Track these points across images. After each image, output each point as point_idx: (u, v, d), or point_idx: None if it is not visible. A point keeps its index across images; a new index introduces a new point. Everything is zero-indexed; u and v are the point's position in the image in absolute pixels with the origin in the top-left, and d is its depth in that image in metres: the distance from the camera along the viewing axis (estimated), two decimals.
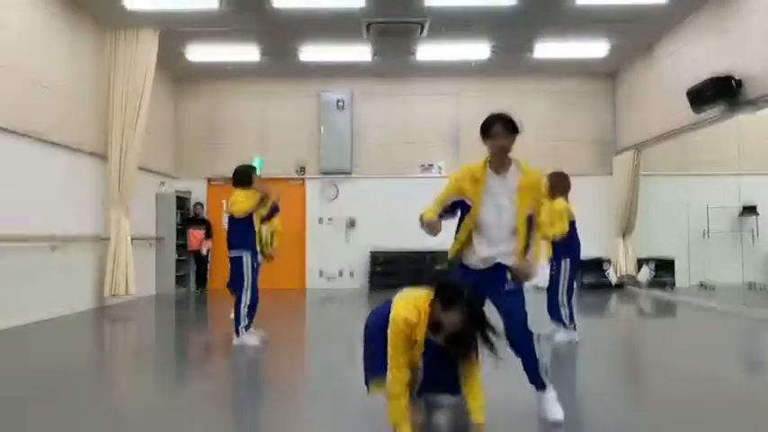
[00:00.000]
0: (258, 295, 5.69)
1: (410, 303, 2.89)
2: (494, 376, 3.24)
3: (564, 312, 5.53)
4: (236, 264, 5.43)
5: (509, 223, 3.32)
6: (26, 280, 6.92)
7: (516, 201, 3.34)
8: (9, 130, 6.70)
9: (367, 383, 3.13)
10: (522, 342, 3.28)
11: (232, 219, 5.49)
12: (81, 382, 4.29)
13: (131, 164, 8.64)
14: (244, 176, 5.57)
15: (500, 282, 3.32)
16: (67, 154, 7.88)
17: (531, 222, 3.35)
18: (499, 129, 3.43)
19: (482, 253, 3.36)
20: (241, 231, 5.44)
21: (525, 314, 3.31)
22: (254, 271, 5.47)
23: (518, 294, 3.34)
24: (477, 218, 3.36)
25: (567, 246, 5.58)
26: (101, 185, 8.60)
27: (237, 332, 5.39)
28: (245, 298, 5.38)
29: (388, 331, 2.88)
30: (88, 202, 8.37)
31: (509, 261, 3.32)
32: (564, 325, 5.56)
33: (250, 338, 5.39)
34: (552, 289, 5.67)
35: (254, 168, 5.70)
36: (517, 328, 3.27)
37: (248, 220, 5.48)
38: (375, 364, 3.00)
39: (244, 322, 5.38)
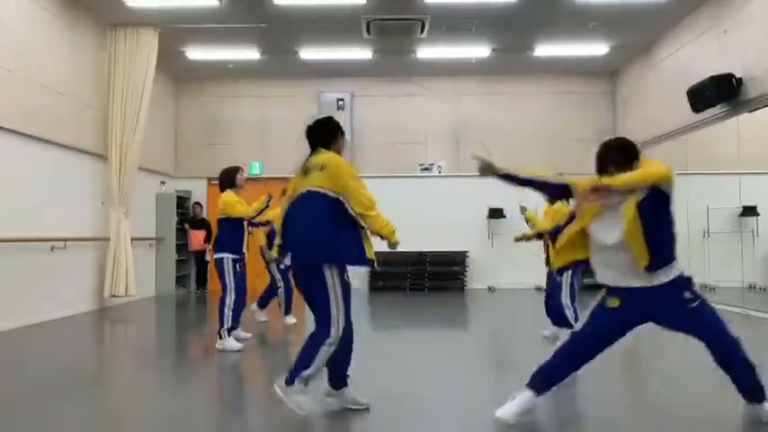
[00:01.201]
0: (245, 297, 5.69)
1: (327, 155, 3.36)
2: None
3: (569, 314, 5.44)
4: (218, 265, 5.39)
5: None
6: (26, 281, 6.91)
7: None
8: (9, 129, 6.69)
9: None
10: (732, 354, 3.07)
11: (219, 220, 5.46)
12: (81, 384, 4.29)
13: (131, 164, 8.63)
14: (227, 177, 5.55)
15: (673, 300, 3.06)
16: (67, 154, 7.87)
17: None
18: None
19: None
20: (226, 233, 5.39)
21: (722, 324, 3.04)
22: (237, 274, 5.39)
23: (701, 309, 3.06)
24: None
25: None
26: (101, 186, 8.60)
27: (220, 335, 5.33)
28: (229, 300, 5.32)
29: (348, 174, 3.30)
30: (88, 203, 8.36)
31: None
32: (571, 327, 5.49)
33: (233, 343, 5.31)
34: (555, 291, 5.64)
35: (237, 169, 5.62)
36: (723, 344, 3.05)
37: (237, 222, 5.42)
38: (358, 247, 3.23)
39: (227, 325, 5.32)
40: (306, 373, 3.20)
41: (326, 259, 3.21)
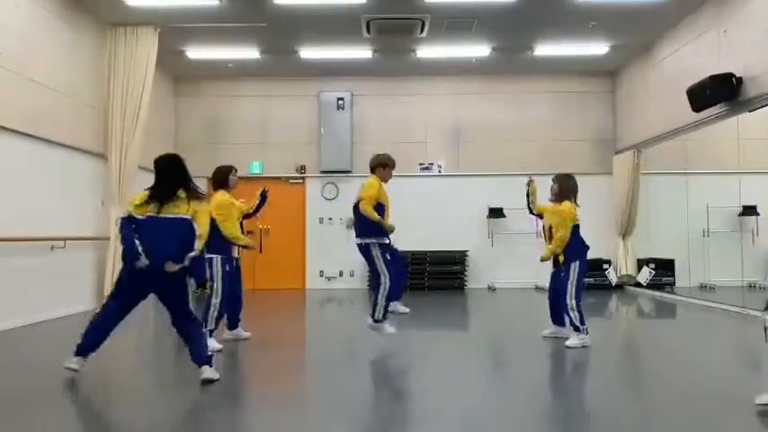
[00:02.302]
0: (239, 298, 5.62)
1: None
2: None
3: (573, 315, 5.36)
4: (208, 265, 5.30)
5: None
6: (26, 280, 6.91)
7: None
8: (8, 129, 6.69)
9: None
10: None
11: (211, 220, 5.41)
12: (80, 384, 4.29)
13: (131, 163, 8.63)
14: (219, 177, 5.52)
15: None
16: (67, 153, 7.87)
17: None
18: None
19: None
20: (216, 234, 5.28)
21: None
22: (226, 275, 5.33)
23: None
24: None
25: (576, 249, 5.49)
26: (100, 185, 8.59)
27: None
28: (215, 301, 5.24)
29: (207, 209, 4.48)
30: (88, 202, 8.36)
31: None
32: (576, 329, 5.36)
33: (212, 344, 5.14)
34: (561, 292, 5.52)
35: (231, 169, 5.55)
36: None
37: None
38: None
39: (210, 325, 5.22)
40: (210, 352, 4.32)
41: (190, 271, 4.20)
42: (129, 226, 4.05)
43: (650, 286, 10.24)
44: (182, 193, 4.13)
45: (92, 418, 3.61)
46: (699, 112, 8.01)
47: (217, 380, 4.10)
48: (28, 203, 6.99)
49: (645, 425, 3.35)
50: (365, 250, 5.46)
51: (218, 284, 5.29)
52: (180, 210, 4.08)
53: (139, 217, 4.06)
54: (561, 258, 5.55)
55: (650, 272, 10.32)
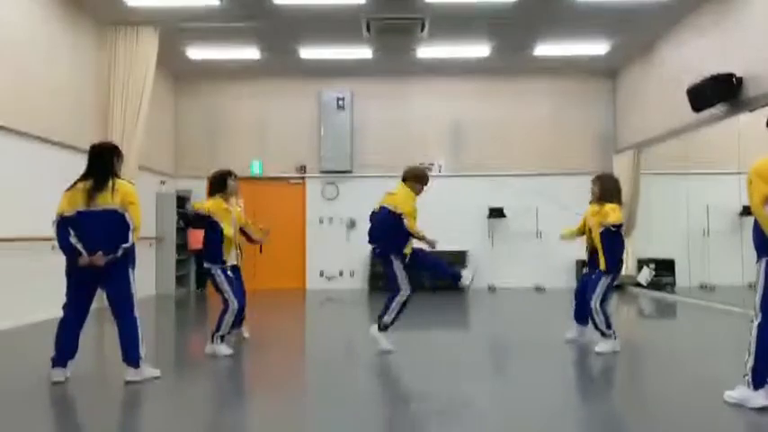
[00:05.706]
0: (244, 300, 5.58)
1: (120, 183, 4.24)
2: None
3: (598, 319, 5.19)
4: (209, 276, 5.29)
5: None
6: (26, 281, 6.91)
7: None
8: (9, 128, 6.70)
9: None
10: None
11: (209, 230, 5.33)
12: (80, 384, 4.29)
13: (131, 163, 8.62)
14: (217, 182, 5.38)
15: None
16: (67, 153, 7.87)
17: None
18: None
19: None
20: (213, 242, 5.27)
21: None
22: (230, 279, 5.29)
23: None
24: None
25: (616, 258, 5.30)
26: None
27: (213, 339, 5.20)
28: (233, 307, 5.20)
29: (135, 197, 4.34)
30: None
31: None
32: (602, 333, 5.21)
33: (224, 348, 5.19)
34: (586, 294, 5.34)
35: (229, 173, 5.45)
36: None
37: (217, 230, 5.28)
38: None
39: (224, 330, 5.20)
40: (141, 355, 4.26)
41: (131, 261, 4.33)
42: (65, 227, 4.20)
43: (651, 286, 10.23)
44: (108, 183, 4.17)
45: (89, 417, 3.61)
46: (699, 112, 8.01)
47: (140, 381, 4.13)
48: (28, 203, 6.98)
49: (652, 425, 3.36)
50: (385, 260, 5.44)
51: (228, 291, 5.22)
52: (106, 200, 4.13)
53: (70, 214, 4.18)
54: (603, 264, 5.28)
55: (651, 272, 10.31)
